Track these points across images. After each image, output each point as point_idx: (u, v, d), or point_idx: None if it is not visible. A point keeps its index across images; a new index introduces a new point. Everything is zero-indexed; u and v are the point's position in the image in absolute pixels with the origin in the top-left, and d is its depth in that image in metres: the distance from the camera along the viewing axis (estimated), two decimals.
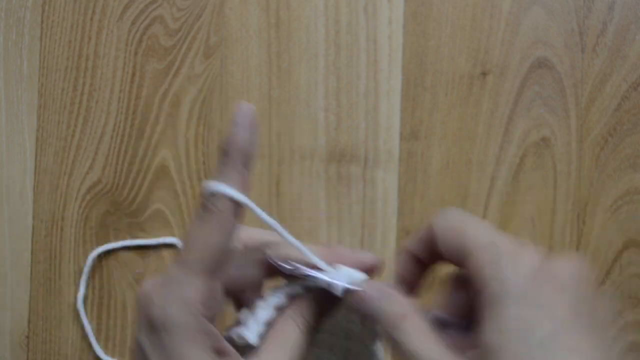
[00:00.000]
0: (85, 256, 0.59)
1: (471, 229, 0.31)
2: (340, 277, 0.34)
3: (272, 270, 0.36)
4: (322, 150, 0.57)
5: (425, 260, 0.34)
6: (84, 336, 0.59)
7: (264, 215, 0.33)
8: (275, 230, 0.34)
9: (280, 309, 0.34)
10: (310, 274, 0.34)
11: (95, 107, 0.59)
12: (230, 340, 0.33)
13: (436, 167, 0.57)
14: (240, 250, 0.36)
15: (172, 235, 0.59)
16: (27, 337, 0.59)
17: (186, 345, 0.30)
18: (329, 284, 0.34)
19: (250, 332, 0.33)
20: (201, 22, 0.59)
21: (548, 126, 0.56)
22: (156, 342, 0.31)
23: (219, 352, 0.31)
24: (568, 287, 0.27)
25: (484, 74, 0.57)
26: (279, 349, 0.32)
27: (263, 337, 0.33)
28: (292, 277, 0.35)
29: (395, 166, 0.57)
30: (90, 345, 0.59)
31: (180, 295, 0.31)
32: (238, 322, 0.34)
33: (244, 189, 0.33)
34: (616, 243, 0.56)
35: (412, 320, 0.31)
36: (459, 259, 0.31)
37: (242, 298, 0.37)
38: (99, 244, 0.59)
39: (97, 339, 0.59)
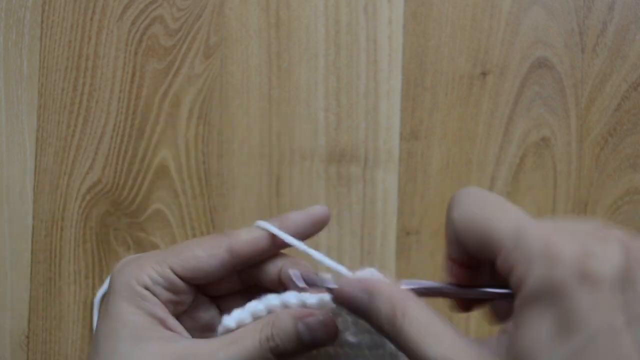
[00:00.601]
0: (85, 256, 0.59)
1: (495, 216, 0.26)
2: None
3: (247, 281, 0.36)
4: (322, 150, 0.57)
5: (470, 262, 0.29)
6: (84, 336, 0.59)
7: (302, 246, 0.34)
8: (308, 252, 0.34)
9: (272, 312, 0.33)
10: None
11: (95, 107, 0.59)
12: (217, 332, 0.34)
13: (436, 167, 0.57)
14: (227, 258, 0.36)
15: (172, 235, 0.59)
16: (27, 337, 0.59)
17: (124, 304, 0.32)
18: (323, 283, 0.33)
19: (231, 319, 0.33)
20: (201, 22, 0.59)
21: (548, 126, 0.56)
22: (105, 300, 0.33)
23: (161, 321, 0.33)
24: (610, 285, 0.22)
25: (484, 74, 0.57)
26: (228, 349, 0.32)
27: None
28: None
29: (395, 166, 0.57)
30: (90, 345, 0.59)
31: (138, 268, 0.33)
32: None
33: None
34: None
35: (409, 313, 0.26)
36: (487, 255, 0.26)
37: (228, 307, 0.36)
38: (98, 244, 0.59)
39: None
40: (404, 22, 0.57)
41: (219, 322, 0.34)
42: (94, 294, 0.59)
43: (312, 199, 0.57)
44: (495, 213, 0.26)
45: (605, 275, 0.22)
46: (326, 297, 0.32)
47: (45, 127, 0.60)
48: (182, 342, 0.32)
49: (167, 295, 0.33)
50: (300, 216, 0.35)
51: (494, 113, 0.57)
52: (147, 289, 0.33)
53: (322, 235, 0.57)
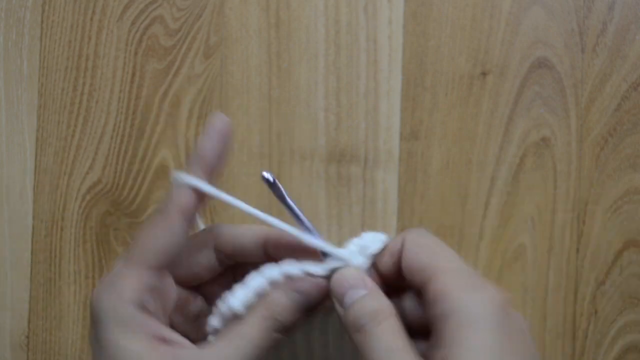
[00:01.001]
0: (85, 256, 0.59)
1: (443, 252, 0.31)
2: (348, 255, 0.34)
3: (228, 262, 0.36)
4: (322, 150, 0.57)
5: (387, 276, 0.34)
6: (84, 336, 0.59)
7: (229, 199, 0.34)
8: (246, 211, 0.35)
9: (274, 284, 0.33)
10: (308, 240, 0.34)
11: (95, 107, 0.59)
12: (218, 312, 0.33)
13: (436, 167, 0.57)
14: (196, 242, 0.36)
15: None
16: (27, 337, 0.59)
17: (119, 334, 0.30)
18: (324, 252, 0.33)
19: (236, 299, 0.33)
20: (201, 22, 0.59)
21: (548, 126, 0.56)
22: (95, 335, 0.31)
23: (160, 339, 0.31)
24: (520, 331, 0.29)
25: (484, 74, 0.57)
26: (237, 345, 0.31)
27: (250, 307, 0.33)
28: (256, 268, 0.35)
29: (395, 166, 0.57)
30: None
31: (116, 288, 0.31)
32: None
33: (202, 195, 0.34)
34: (616, 243, 0.56)
35: (392, 320, 0.31)
36: (422, 278, 0.31)
37: (207, 292, 0.36)
38: (98, 244, 0.59)
39: None
40: (404, 22, 0.57)
41: (220, 302, 0.33)
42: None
43: (312, 198, 0.57)
44: (444, 250, 0.31)
45: (518, 327, 0.30)
46: (329, 265, 0.33)
47: (45, 127, 0.60)
48: (191, 355, 0.31)
49: (156, 304, 0.33)
50: (209, 146, 0.34)
51: (494, 113, 0.57)
52: (138, 307, 0.31)
53: (322, 235, 0.57)
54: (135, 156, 0.59)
